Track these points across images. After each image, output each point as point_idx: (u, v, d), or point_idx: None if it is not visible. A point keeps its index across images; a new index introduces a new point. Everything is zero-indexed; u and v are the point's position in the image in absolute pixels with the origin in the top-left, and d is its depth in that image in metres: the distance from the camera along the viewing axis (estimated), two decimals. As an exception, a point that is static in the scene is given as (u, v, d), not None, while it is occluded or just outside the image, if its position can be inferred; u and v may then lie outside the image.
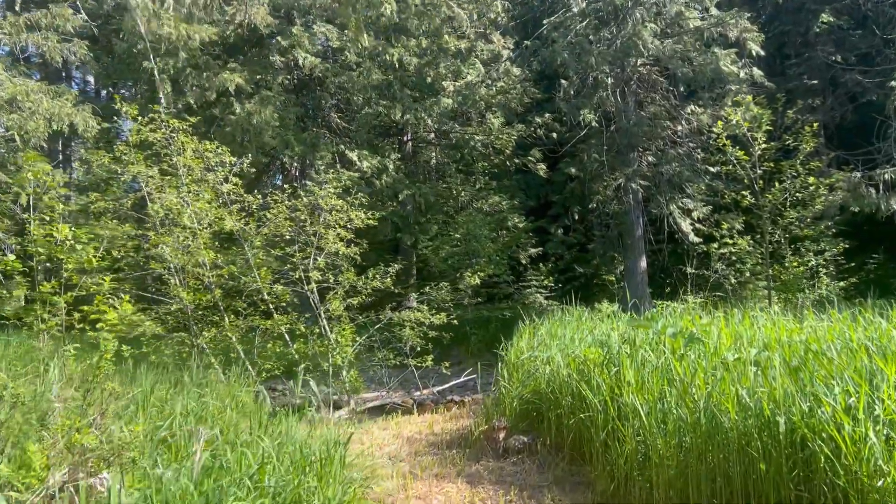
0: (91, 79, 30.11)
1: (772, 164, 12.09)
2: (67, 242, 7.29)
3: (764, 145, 11.67)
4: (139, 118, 10.52)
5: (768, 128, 11.96)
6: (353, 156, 19.59)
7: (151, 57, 17.27)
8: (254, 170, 19.49)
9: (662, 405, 4.57)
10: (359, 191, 18.37)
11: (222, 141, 18.07)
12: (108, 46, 21.52)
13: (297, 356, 9.89)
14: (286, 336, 10.03)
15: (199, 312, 9.67)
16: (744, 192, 12.28)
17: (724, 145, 11.73)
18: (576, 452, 5.31)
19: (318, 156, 17.95)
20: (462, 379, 11.53)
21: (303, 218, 10.35)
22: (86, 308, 7.25)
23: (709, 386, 4.53)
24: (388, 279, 10.55)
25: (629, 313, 9.66)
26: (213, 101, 19.35)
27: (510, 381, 6.16)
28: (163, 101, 19.32)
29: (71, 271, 7.40)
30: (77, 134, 19.27)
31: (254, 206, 10.50)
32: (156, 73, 18.11)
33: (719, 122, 12.31)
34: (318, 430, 7.13)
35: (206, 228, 9.88)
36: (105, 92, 29.28)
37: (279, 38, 18.83)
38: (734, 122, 11.87)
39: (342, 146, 20.51)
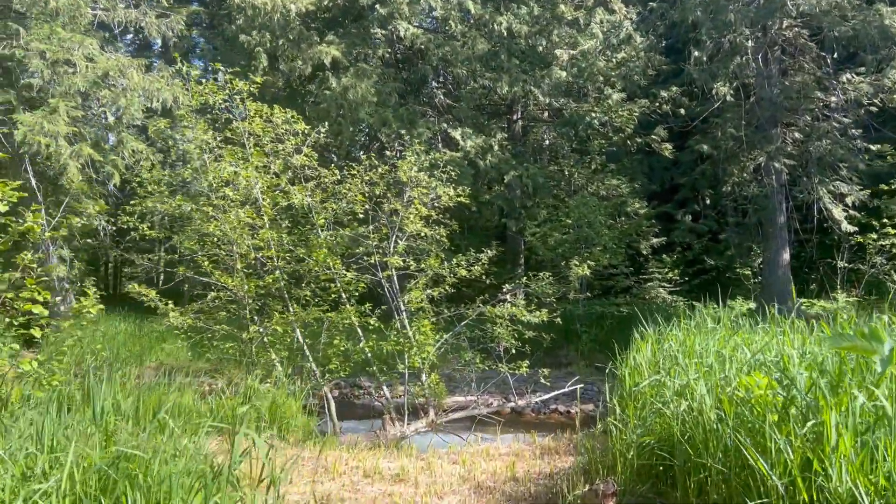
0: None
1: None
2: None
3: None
4: (203, 81, 9.34)
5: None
6: (456, 134, 17.99)
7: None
8: (349, 144, 18.30)
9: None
10: (461, 172, 16.94)
11: (316, 118, 17.00)
12: (220, 31, 21.00)
13: (369, 354, 8.37)
14: (359, 331, 8.51)
15: (260, 302, 8.34)
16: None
17: None
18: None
19: (416, 133, 16.42)
20: (568, 388, 9.66)
21: (378, 193, 8.79)
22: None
23: None
24: (477, 267, 8.81)
25: (771, 313, 7.54)
26: (308, 76, 18.30)
27: (624, 419, 4.28)
28: (258, 77, 18.50)
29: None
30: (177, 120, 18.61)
31: (328, 180, 9.05)
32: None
33: None
34: (369, 457, 5.54)
35: (270, 203, 8.52)
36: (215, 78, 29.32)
37: (379, 7, 17.43)
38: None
39: (444, 124, 18.97)
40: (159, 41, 18.36)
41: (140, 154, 16.75)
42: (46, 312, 5.69)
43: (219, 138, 9.04)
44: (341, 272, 8.34)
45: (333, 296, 8.52)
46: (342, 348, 8.08)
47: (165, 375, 11.22)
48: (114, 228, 17.88)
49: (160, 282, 23.64)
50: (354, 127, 17.23)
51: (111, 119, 16.59)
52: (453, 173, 10.14)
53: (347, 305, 8.50)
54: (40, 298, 5.52)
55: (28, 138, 15.01)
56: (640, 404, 4.24)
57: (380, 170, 8.70)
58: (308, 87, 18.25)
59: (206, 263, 7.93)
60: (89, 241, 19.46)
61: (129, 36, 24.12)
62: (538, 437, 6.87)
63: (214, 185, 8.11)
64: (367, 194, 8.93)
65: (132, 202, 9.45)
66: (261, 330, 7.81)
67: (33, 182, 16.36)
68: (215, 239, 8.12)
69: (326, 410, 8.01)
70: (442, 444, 8.18)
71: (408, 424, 8.00)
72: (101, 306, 6.33)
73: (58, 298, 16.91)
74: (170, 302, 8.08)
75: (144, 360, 14.41)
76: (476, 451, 5.76)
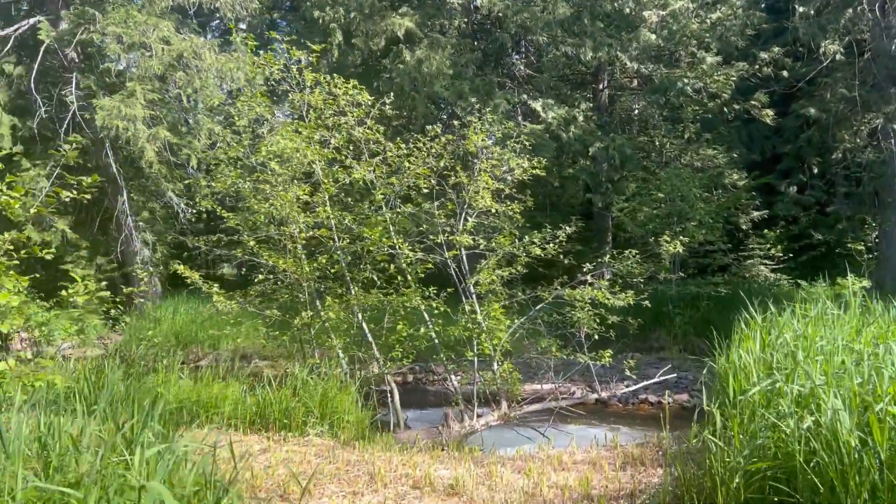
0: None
1: None
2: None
3: None
4: (262, 52, 8.82)
5: None
6: (537, 105, 17.02)
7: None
8: (424, 122, 17.62)
9: None
10: (543, 145, 15.98)
11: (389, 93, 16.40)
12: (301, 14, 20.70)
13: (436, 341, 7.70)
14: (425, 315, 7.83)
15: (317, 285, 7.79)
16: None
17: None
18: None
19: (493, 105, 15.55)
20: (659, 378, 8.73)
21: (443, 165, 8.05)
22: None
23: None
24: (551, 245, 7.95)
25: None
26: (382, 51, 17.70)
27: (727, 434, 3.36)
28: (335, 52, 18.06)
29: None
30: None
31: (392, 154, 8.37)
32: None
33: None
34: (421, 457, 4.85)
35: (330, 180, 7.94)
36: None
37: (453, -27, 16.63)
38: None
39: (524, 95, 18.00)
40: (233, 17, 17.97)
41: (217, 136, 16.60)
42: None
43: (279, 113, 8.49)
44: (405, 252, 7.66)
45: (398, 279, 7.86)
46: (404, 335, 7.42)
47: (236, 360, 10.91)
48: (193, 211, 17.93)
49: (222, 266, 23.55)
50: (429, 101, 16.51)
51: (185, 101, 16.48)
52: (528, 143, 9.24)
53: (413, 287, 7.83)
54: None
55: (107, 122, 15.07)
56: (748, 415, 3.34)
57: (443, 139, 7.94)
58: (382, 63, 17.63)
59: (253, 243, 7.42)
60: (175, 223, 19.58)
61: (214, 23, 24.26)
62: (622, 439, 6.03)
63: (268, 160, 7.57)
64: (433, 168, 8.21)
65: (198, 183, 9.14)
66: (320, 314, 7.25)
67: (114, 167, 16.52)
68: (267, 218, 7.61)
69: (389, 401, 7.40)
70: (514, 441, 7.45)
71: (477, 417, 7.29)
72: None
73: (141, 283, 17.11)
74: (214, 285, 7.64)
75: (221, 343, 14.28)
76: (546, 458, 4.97)
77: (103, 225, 18.09)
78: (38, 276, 15.53)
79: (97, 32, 15.53)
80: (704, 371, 5.66)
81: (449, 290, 8.15)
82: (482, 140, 8.18)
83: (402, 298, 7.43)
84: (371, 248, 7.28)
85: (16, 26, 16.00)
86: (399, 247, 7.81)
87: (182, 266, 7.86)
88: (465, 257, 8.13)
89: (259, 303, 7.64)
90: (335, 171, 8.18)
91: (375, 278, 7.94)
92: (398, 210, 8.14)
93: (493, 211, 8.27)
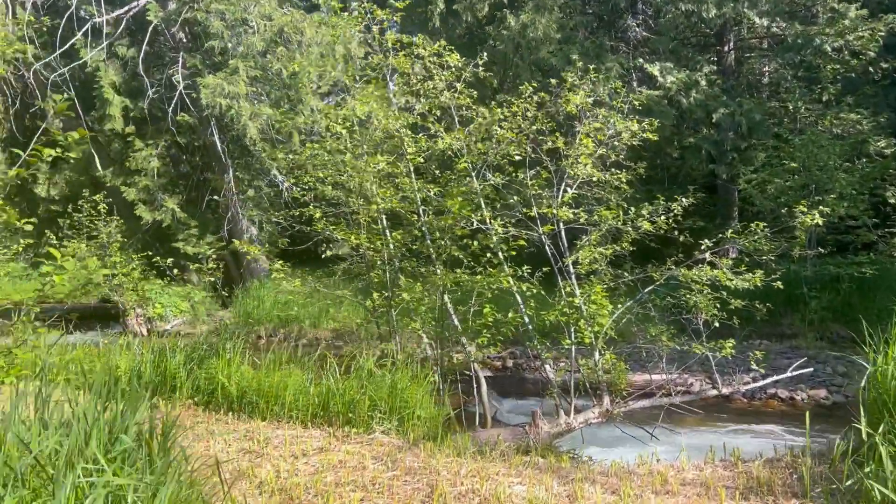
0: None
1: None
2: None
3: None
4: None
5: None
6: (654, 70, 15.67)
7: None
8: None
9: None
10: (661, 112, 14.67)
11: (491, 62, 15.54)
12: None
13: (529, 326, 6.90)
14: (517, 297, 7.02)
15: (400, 264, 7.16)
16: None
17: None
18: None
19: (604, 69, 14.37)
20: (792, 373, 7.55)
21: (537, 129, 7.17)
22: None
23: None
24: (662, 219, 6.91)
25: None
26: (486, 18, 16.85)
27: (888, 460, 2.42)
28: (436, 21, 17.37)
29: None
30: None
31: (486, 119, 7.59)
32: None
33: None
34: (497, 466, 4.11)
35: (413, 149, 7.27)
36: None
37: (562, -70, 15.50)
38: None
39: (640, 59, 16.64)
40: None
41: (319, 112, 16.34)
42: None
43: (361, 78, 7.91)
44: (494, 227, 6.88)
45: (486, 256, 7.08)
46: (490, 319, 6.65)
47: (332, 342, 10.49)
48: (297, 188, 17.79)
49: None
50: (534, 68, 15.51)
51: (287, 77, 16.28)
52: (639, 104, 8.20)
53: (503, 266, 7.04)
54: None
55: (211, 101, 15.11)
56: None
57: (535, 98, 7.06)
58: (486, 31, 16.77)
59: (319, 214, 6.86)
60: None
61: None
62: (747, 446, 5.04)
63: (344, 127, 6.98)
64: (526, 133, 7.35)
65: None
66: (399, 295, 6.60)
67: (219, 145, 16.63)
68: (343, 191, 7.04)
69: (475, 391, 6.69)
70: (616, 441, 6.58)
71: (574, 414, 6.45)
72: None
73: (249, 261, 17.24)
74: (278, 262, 7.15)
75: (320, 323, 14.06)
76: (647, 475, 4.09)
77: (212, 203, 18.35)
78: (149, 253, 16.00)
79: (201, 10, 15.58)
80: (849, 366, 4.56)
81: (545, 269, 7.30)
82: (583, 98, 7.23)
83: (490, 279, 6.65)
84: (452, 222, 6.54)
85: (126, 7, 16.32)
86: (489, 221, 7.06)
87: (251, 246, 7.43)
88: (563, 233, 7.25)
89: (340, 282, 7.09)
90: (420, 139, 7.49)
91: (462, 257, 7.19)
92: (488, 180, 7.36)
93: (596, 180, 7.33)
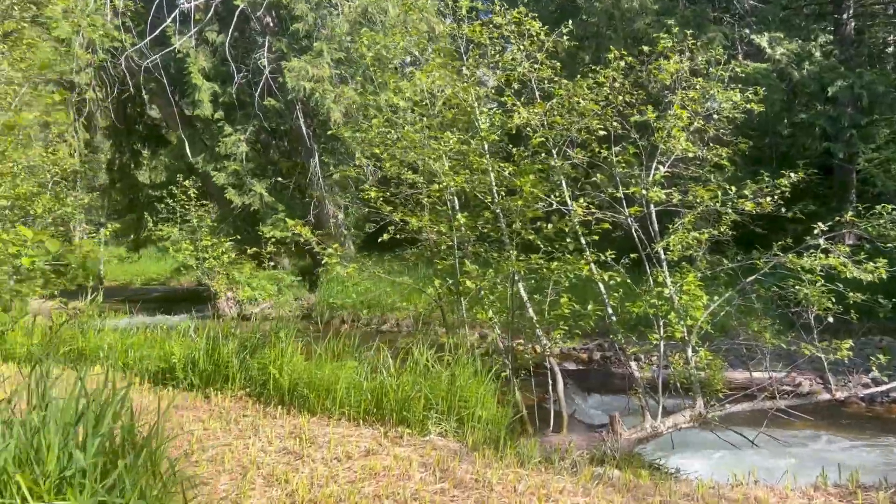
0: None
1: None
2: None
3: None
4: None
5: None
6: (762, 40, 14.43)
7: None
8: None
9: None
10: (769, 86, 13.46)
11: (582, 36, 14.71)
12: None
13: (613, 318, 6.24)
14: (600, 286, 6.36)
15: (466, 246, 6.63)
16: None
17: None
18: None
19: (705, 39, 13.28)
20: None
21: (627, 100, 6.46)
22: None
23: None
24: (766, 200, 6.05)
25: None
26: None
27: None
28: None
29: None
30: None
31: (568, 92, 6.93)
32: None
33: None
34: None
35: (486, 126, 6.72)
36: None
37: None
38: None
39: (746, 30, 15.40)
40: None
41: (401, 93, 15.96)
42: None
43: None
44: (575, 209, 6.23)
45: (563, 241, 6.44)
46: (567, 310, 6.00)
47: (412, 328, 10.10)
48: (381, 173, 17.55)
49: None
50: (629, 40, 14.56)
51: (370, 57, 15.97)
52: (741, 71, 7.33)
53: (587, 252, 6.39)
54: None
55: (295, 84, 15.02)
56: None
57: (623, 64, 6.34)
58: (577, 3, 15.93)
59: (375, 194, 6.39)
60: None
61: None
62: (868, 461, 4.26)
63: (412, 102, 6.50)
64: (617, 107, 6.65)
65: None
66: (464, 282, 6.07)
67: (304, 129, 16.56)
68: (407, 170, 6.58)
69: (551, 388, 6.10)
70: (710, 446, 5.86)
71: (663, 416, 5.76)
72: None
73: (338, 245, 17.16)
74: (327, 247, 6.75)
75: (401, 308, 13.74)
76: (742, 501, 3.40)
77: (299, 188, 18.38)
78: (239, 237, 16.14)
79: (286, -7, 15.49)
80: None
81: (632, 255, 6.59)
82: (678, 65, 6.46)
83: (568, 266, 6.01)
84: (523, 203, 5.92)
85: (216, -7, 16.46)
86: (569, 202, 6.42)
87: (311, 236, 7.03)
88: (654, 215, 6.52)
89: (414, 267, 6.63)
90: (495, 114, 6.92)
91: (540, 242, 6.57)
92: (569, 158, 6.71)
93: (692, 156, 6.55)
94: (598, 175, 6.55)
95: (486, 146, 6.80)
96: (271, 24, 16.89)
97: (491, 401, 4.69)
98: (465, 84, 6.53)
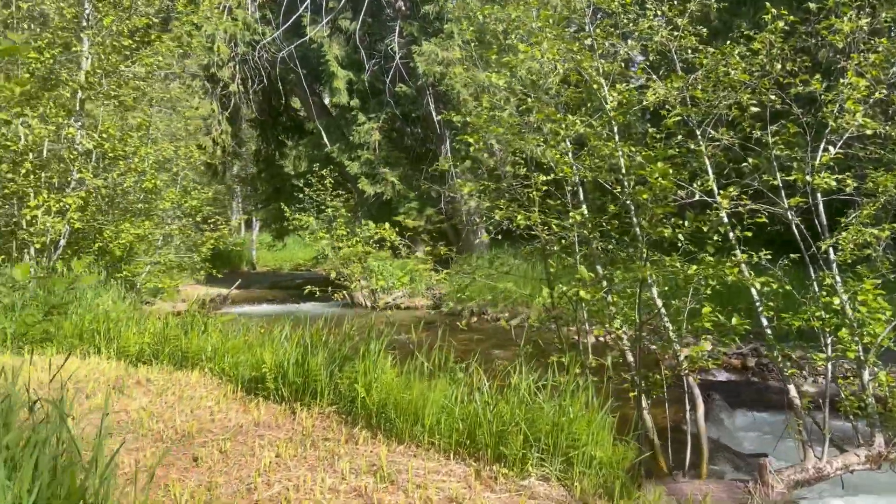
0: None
1: None
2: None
3: None
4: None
5: None
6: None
7: None
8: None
9: None
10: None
11: (739, 1, 13.13)
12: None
13: (769, 331, 5.19)
14: (753, 292, 5.31)
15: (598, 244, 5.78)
16: None
17: None
18: None
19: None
20: None
21: (788, 69, 5.34)
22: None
23: None
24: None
25: None
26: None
27: None
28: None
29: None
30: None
31: (712, 61, 5.91)
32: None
33: None
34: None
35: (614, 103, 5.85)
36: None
37: None
38: None
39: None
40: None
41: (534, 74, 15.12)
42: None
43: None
44: (719, 201, 5.23)
45: (703, 235, 5.43)
46: (708, 322, 5.00)
47: (545, 323, 9.38)
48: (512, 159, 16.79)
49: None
50: (794, 3, 12.82)
51: (502, 38, 15.24)
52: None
53: (738, 252, 5.36)
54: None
55: (425, 69, 14.59)
56: None
57: (780, 24, 5.21)
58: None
59: (467, 190, 5.64)
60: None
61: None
62: None
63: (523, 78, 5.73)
64: (775, 77, 5.54)
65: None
66: (581, 285, 5.23)
67: (435, 115, 16.11)
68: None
69: (689, 414, 5.17)
70: (891, 490, 4.73)
71: (829, 456, 4.69)
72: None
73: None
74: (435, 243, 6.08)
75: (532, 302, 12.98)
76: None
77: (431, 175, 18.03)
78: (370, 225, 16.03)
79: (415, -26, 15.07)
80: None
81: (792, 255, 5.49)
82: (852, 22, 5.25)
83: (711, 270, 5.00)
84: (654, 193, 4.96)
85: (349, -21, 16.34)
86: (716, 193, 5.42)
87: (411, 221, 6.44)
88: (820, 206, 5.37)
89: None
90: (623, 91, 6.00)
91: (681, 239, 5.60)
92: (715, 140, 5.69)
93: (870, 134, 5.34)
94: (749, 159, 5.48)
95: (614, 128, 5.91)
96: (403, 8, 16.56)
97: (607, 437, 3.88)
98: (587, 53, 5.67)
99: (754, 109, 5.55)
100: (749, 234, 5.41)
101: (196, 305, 16.05)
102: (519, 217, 5.42)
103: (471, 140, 6.19)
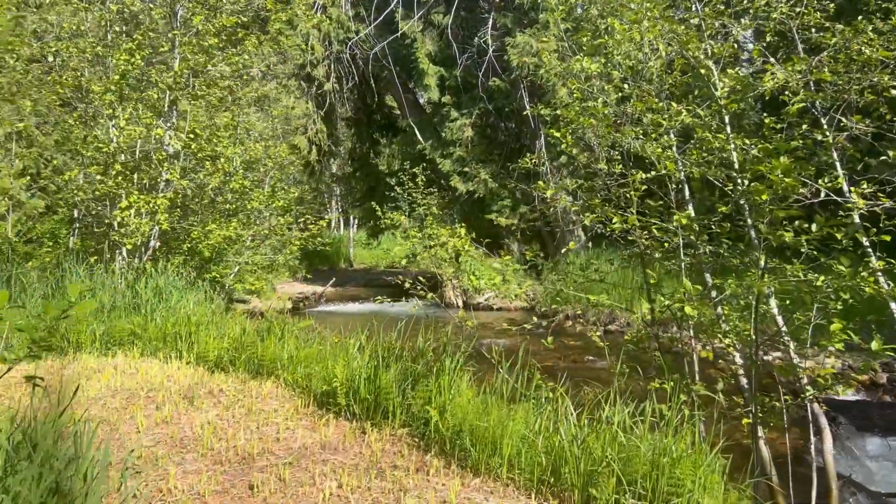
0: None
1: None
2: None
3: None
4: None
5: None
6: None
7: None
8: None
9: None
10: None
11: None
12: None
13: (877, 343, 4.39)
14: (892, 306, 4.53)
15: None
16: None
17: None
18: None
19: None
20: None
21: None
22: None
23: None
24: None
25: None
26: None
27: None
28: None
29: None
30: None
31: (841, 39, 5.15)
32: None
33: None
34: None
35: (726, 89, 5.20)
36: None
37: None
38: None
39: None
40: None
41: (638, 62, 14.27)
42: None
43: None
44: (854, 199, 4.48)
45: (835, 241, 4.67)
46: (838, 343, 4.25)
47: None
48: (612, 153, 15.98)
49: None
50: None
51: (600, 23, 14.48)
52: None
53: (873, 259, 4.59)
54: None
55: (518, 61, 14.05)
56: None
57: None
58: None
59: (543, 187, 5.04)
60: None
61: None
62: None
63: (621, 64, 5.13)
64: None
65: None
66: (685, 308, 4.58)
67: (528, 109, 15.51)
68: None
69: (813, 440, 4.46)
70: None
71: None
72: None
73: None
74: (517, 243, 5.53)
75: (634, 307, 12.18)
76: None
77: (525, 172, 17.45)
78: (462, 224, 15.64)
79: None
80: None
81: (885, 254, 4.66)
82: None
83: (841, 281, 4.26)
84: (767, 194, 4.24)
85: (441, -27, 15.98)
86: (846, 189, 4.68)
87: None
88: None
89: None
90: (737, 76, 5.31)
91: (804, 245, 4.85)
92: (845, 127, 4.93)
93: None
94: (889, 151, 4.69)
95: (725, 118, 5.23)
96: (496, 0, 16.07)
97: (717, 482, 3.28)
98: (694, 34, 5.02)
99: (894, 92, 4.76)
100: (888, 238, 4.62)
101: (289, 303, 16.20)
102: (615, 220, 4.84)
103: (556, 135, 5.64)
